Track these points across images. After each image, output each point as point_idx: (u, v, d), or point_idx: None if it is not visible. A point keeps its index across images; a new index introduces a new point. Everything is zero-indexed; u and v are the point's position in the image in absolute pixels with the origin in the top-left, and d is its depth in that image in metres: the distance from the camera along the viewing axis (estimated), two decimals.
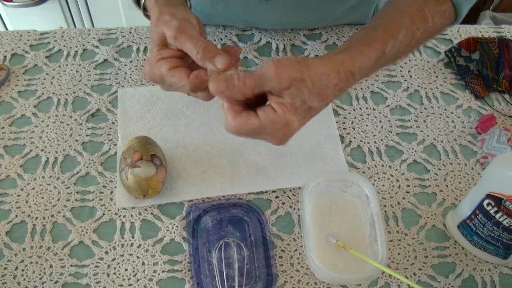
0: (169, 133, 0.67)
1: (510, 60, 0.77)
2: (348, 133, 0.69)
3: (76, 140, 0.66)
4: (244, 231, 0.58)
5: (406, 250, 0.59)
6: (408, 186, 0.64)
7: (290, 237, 0.59)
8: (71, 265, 0.56)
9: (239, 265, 0.55)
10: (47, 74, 0.73)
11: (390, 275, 0.56)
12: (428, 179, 0.65)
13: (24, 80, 0.72)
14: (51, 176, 0.62)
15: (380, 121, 0.70)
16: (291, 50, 0.78)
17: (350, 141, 0.68)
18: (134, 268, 0.56)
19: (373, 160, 0.66)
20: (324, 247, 0.57)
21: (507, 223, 0.52)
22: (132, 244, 0.57)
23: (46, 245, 0.57)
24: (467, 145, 0.69)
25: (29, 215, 0.59)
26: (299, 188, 0.62)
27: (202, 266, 0.55)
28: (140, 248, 0.57)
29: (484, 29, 0.84)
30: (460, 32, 0.83)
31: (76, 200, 0.61)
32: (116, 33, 0.79)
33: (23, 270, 0.55)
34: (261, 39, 0.80)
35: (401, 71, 0.77)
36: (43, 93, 0.71)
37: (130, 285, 0.55)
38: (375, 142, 0.68)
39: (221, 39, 0.79)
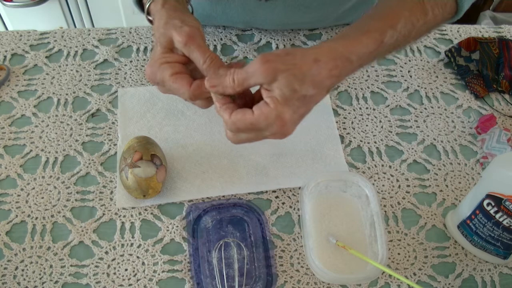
0: (169, 133, 0.67)
1: (510, 60, 0.77)
2: (348, 133, 0.69)
3: (76, 140, 0.66)
4: (244, 231, 0.58)
5: (406, 250, 0.59)
6: (408, 186, 0.64)
7: (290, 237, 0.59)
8: (71, 265, 0.56)
9: (239, 265, 0.55)
10: (47, 74, 0.73)
11: (390, 275, 0.56)
12: (428, 179, 0.65)
13: (24, 80, 0.72)
14: (51, 176, 0.62)
15: (380, 121, 0.70)
16: None
17: (350, 141, 0.68)
18: (134, 268, 0.56)
19: (373, 160, 0.66)
20: (324, 247, 0.57)
21: (507, 223, 0.52)
22: (132, 244, 0.57)
23: (46, 245, 0.57)
24: (467, 145, 0.69)
25: (29, 215, 0.59)
26: (299, 188, 0.62)
27: (202, 266, 0.55)
28: (140, 248, 0.57)
29: (484, 29, 0.84)
30: (460, 32, 0.83)
31: (76, 200, 0.61)
32: (116, 33, 0.79)
33: (23, 270, 0.55)
34: (261, 39, 0.80)
35: (401, 71, 0.77)
36: (43, 93, 0.71)
37: (130, 285, 0.55)
38: (375, 142, 0.68)
39: (221, 39, 0.79)
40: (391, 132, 0.69)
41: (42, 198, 0.61)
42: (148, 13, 0.58)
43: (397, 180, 0.65)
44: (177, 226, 0.59)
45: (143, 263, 0.56)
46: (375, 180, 0.64)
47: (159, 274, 0.55)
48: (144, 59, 0.76)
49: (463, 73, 0.76)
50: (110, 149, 0.65)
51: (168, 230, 0.59)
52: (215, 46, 0.78)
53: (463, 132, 0.70)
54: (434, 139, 0.69)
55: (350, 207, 0.61)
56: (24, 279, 0.54)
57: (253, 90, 0.51)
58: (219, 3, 0.73)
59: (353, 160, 0.66)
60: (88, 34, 0.79)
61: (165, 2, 0.55)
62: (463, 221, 0.57)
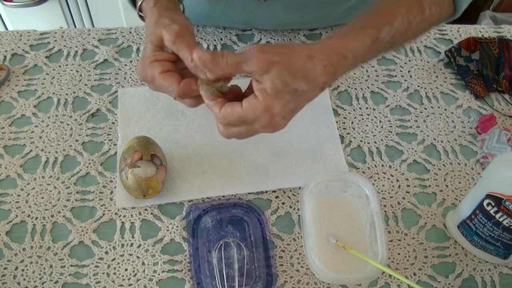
0: (169, 133, 0.67)
1: (510, 60, 0.77)
2: (348, 133, 0.69)
3: (76, 140, 0.66)
4: (244, 231, 0.58)
5: (406, 250, 0.59)
6: (408, 186, 0.64)
7: (290, 237, 0.59)
8: (71, 265, 0.56)
9: (239, 265, 0.55)
10: (47, 74, 0.73)
11: (390, 275, 0.56)
12: (428, 179, 0.65)
13: (24, 80, 0.72)
14: (51, 176, 0.62)
15: (380, 121, 0.70)
16: None
17: (350, 141, 0.68)
18: (134, 268, 0.56)
19: (373, 160, 0.66)
20: (324, 247, 0.57)
21: (507, 223, 0.52)
22: (132, 244, 0.57)
23: (46, 245, 0.57)
24: (467, 145, 0.69)
25: (29, 215, 0.59)
26: (299, 188, 0.62)
27: (202, 266, 0.55)
28: (140, 248, 0.57)
29: (484, 29, 0.84)
30: (460, 32, 0.83)
31: (76, 200, 0.61)
32: (116, 33, 0.79)
33: (23, 270, 0.55)
34: (261, 39, 0.80)
35: (401, 71, 0.77)
36: (43, 93, 0.71)
37: (130, 285, 0.55)
38: (375, 142, 0.68)
39: (221, 39, 0.79)
40: (391, 132, 0.69)
41: (42, 198, 0.61)
42: (140, 10, 0.59)
43: (397, 180, 0.65)
44: (177, 226, 0.59)
45: (143, 263, 0.56)
46: (375, 180, 0.64)
47: (159, 274, 0.55)
48: None
49: (463, 73, 0.76)
50: (110, 149, 0.65)
51: (168, 230, 0.59)
52: (215, 46, 0.78)
53: (463, 132, 0.70)
54: (434, 139, 0.69)
55: (350, 207, 0.61)
56: (24, 279, 0.54)
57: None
58: (218, 3, 0.73)
59: (353, 160, 0.66)
60: (88, 34, 0.79)
61: (157, 1, 0.56)
62: (463, 221, 0.57)
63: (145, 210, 0.60)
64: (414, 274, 0.57)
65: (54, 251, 0.57)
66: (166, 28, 0.51)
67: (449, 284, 0.56)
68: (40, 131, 0.67)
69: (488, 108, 0.73)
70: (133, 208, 0.60)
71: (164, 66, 0.52)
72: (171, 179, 0.62)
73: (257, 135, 0.50)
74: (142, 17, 0.59)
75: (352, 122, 0.70)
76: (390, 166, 0.66)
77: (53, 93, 0.71)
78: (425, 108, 0.73)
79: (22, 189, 0.61)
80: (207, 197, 0.61)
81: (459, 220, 0.58)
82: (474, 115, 0.72)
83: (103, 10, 1.45)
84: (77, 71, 0.74)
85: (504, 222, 0.52)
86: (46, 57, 0.75)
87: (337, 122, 0.70)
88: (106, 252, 0.57)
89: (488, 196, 0.52)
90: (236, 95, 0.51)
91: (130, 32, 0.79)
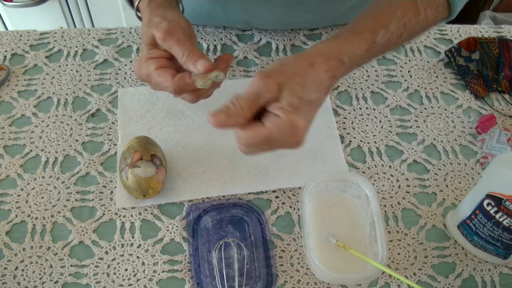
0: (169, 133, 0.67)
1: (510, 60, 0.77)
2: (348, 133, 0.69)
3: (76, 140, 0.66)
4: (244, 231, 0.58)
5: (406, 250, 0.59)
6: (408, 186, 0.64)
7: (290, 237, 0.59)
8: (71, 265, 0.56)
9: (239, 265, 0.55)
10: (47, 74, 0.73)
11: (390, 275, 0.56)
12: (428, 179, 0.65)
13: (24, 80, 0.72)
14: (51, 176, 0.62)
15: (380, 121, 0.70)
16: (291, 50, 0.78)
17: (350, 141, 0.68)
18: (134, 268, 0.56)
19: (373, 160, 0.66)
20: (324, 247, 0.57)
21: (507, 223, 0.52)
22: (132, 244, 0.57)
23: (46, 245, 0.57)
24: (467, 145, 0.69)
25: (29, 215, 0.59)
26: (299, 188, 0.62)
27: (202, 266, 0.55)
28: (140, 248, 0.57)
29: (484, 29, 0.84)
30: (460, 32, 0.83)
31: (76, 200, 0.61)
32: (116, 33, 0.79)
33: (23, 270, 0.55)
34: (261, 39, 0.80)
35: (401, 71, 0.77)
36: (43, 93, 0.71)
37: (130, 285, 0.55)
38: (375, 142, 0.68)
39: (221, 39, 0.79)
40: (391, 132, 0.69)
41: (42, 198, 0.61)
42: (138, 10, 0.59)
43: (397, 180, 0.65)
44: (177, 226, 0.59)
45: (143, 263, 0.56)
46: (375, 180, 0.64)
47: (159, 274, 0.55)
48: None
49: (463, 73, 0.76)
50: (110, 149, 0.65)
51: (168, 230, 0.59)
52: (215, 46, 0.78)
53: (463, 132, 0.70)
54: (434, 139, 0.69)
55: (350, 207, 0.61)
56: (24, 279, 0.54)
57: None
58: (217, 1, 0.73)
59: (353, 160, 0.66)
60: (88, 34, 0.79)
61: (151, 0, 0.56)
62: (463, 221, 0.57)
63: (145, 210, 0.60)
64: (414, 274, 0.57)
65: (54, 251, 0.57)
66: (157, 26, 0.52)
67: (449, 284, 0.56)
68: (40, 131, 0.67)
69: (488, 108, 0.73)
70: (133, 208, 0.60)
71: (159, 63, 0.52)
72: (171, 179, 0.62)
73: None
74: (140, 18, 0.60)
75: (352, 122, 0.70)
76: (390, 166, 0.66)
77: (53, 93, 0.71)
78: (425, 108, 0.73)
79: (22, 189, 0.61)
80: (207, 197, 0.61)
81: (459, 220, 0.58)
82: (474, 115, 0.72)
83: (103, 10, 1.45)
84: (77, 71, 0.74)
85: (504, 222, 0.52)
86: (46, 57, 0.75)
87: (337, 122, 0.70)
88: (106, 252, 0.57)
89: (488, 196, 0.52)
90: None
91: (130, 32, 0.79)
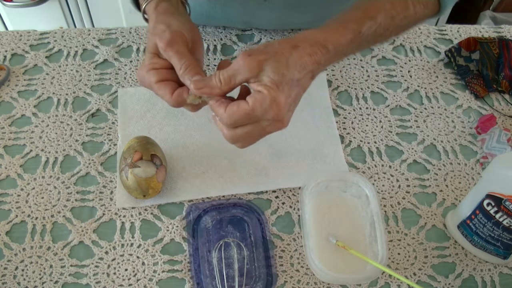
0: (169, 133, 0.67)
1: (510, 60, 0.77)
2: (348, 133, 0.69)
3: (76, 140, 0.66)
4: (244, 231, 0.58)
5: (406, 250, 0.59)
6: (408, 186, 0.64)
7: (290, 237, 0.59)
8: (71, 265, 0.56)
9: (239, 265, 0.55)
10: (47, 74, 0.73)
11: (390, 275, 0.56)
12: (428, 179, 0.65)
13: (24, 80, 0.72)
14: (51, 176, 0.62)
15: (380, 121, 0.70)
16: None
17: (350, 141, 0.68)
18: (134, 268, 0.56)
19: (373, 160, 0.66)
20: (324, 247, 0.57)
21: (507, 223, 0.52)
22: (132, 244, 0.57)
23: (46, 245, 0.57)
24: (467, 145, 0.69)
25: (29, 215, 0.59)
26: (299, 188, 0.62)
27: (202, 266, 0.55)
28: (140, 248, 0.57)
29: (484, 29, 0.84)
30: (460, 32, 0.83)
31: (76, 200, 0.61)
32: (116, 33, 0.79)
33: (23, 270, 0.55)
34: (261, 39, 0.80)
35: (401, 71, 0.77)
36: (43, 93, 0.71)
37: (130, 285, 0.55)
38: (375, 142, 0.68)
39: (221, 39, 0.79)
40: (391, 132, 0.69)
41: (42, 198, 0.61)
42: (145, 13, 0.59)
43: (397, 180, 0.65)
44: (177, 226, 0.59)
45: (143, 263, 0.56)
46: (375, 180, 0.64)
47: (159, 274, 0.55)
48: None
49: (463, 73, 0.76)
50: (110, 149, 0.65)
51: (168, 230, 0.59)
52: (215, 46, 0.78)
53: (463, 132, 0.70)
54: (434, 139, 0.69)
55: (350, 207, 0.61)
56: (24, 279, 0.54)
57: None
58: (218, 1, 0.73)
59: (353, 160, 0.66)
60: (88, 34, 0.79)
61: (158, 4, 0.56)
62: (463, 221, 0.57)
63: (145, 210, 0.60)
64: (414, 274, 0.57)
65: (54, 251, 0.57)
66: (160, 35, 0.52)
67: (449, 284, 0.56)
68: (40, 131, 0.67)
69: (488, 108, 0.73)
70: (133, 208, 0.60)
71: (160, 75, 0.52)
72: (171, 179, 0.62)
73: None
74: (147, 20, 0.59)
75: (352, 122, 0.70)
76: (390, 166, 0.66)
77: (53, 93, 0.71)
78: (425, 108, 0.73)
79: (22, 189, 0.61)
80: (207, 197, 0.61)
81: (459, 220, 0.58)
82: (474, 115, 0.72)
83: (103, 10, 1.45)
84: (77, 71, 0.74)
85: (504, 222, 0.52)
86: (46, 57, 0.75)
87: (337, 122, 0.70)
88: (106, 252, 0.57)
89: (488, 196, 0.52)
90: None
91: (130, 32, 0.79)
